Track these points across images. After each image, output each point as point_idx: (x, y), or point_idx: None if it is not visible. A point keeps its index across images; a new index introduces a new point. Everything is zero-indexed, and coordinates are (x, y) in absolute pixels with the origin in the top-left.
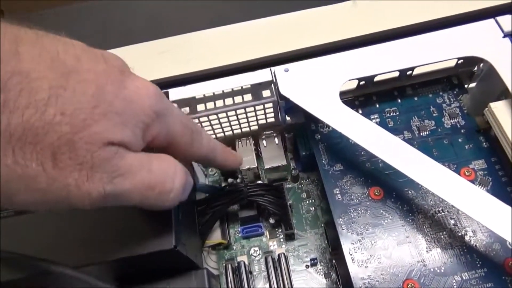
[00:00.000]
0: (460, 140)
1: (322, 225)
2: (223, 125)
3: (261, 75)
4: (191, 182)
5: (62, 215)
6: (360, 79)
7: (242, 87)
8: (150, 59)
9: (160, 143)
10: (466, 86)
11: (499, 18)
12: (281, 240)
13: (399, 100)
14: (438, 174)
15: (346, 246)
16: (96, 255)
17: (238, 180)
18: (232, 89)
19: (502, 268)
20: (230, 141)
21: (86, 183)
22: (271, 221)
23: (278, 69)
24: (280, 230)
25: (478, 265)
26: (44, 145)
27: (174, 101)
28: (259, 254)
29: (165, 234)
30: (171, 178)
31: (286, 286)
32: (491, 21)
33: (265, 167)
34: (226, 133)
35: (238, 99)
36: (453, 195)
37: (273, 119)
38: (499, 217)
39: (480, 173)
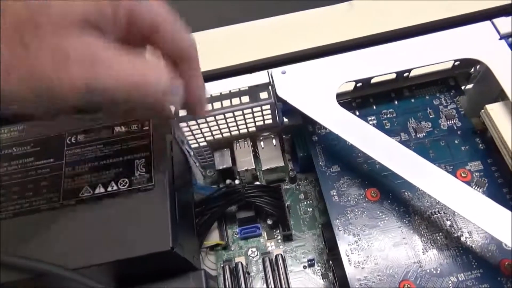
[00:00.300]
0: (456, 141)
1: (320, 226)
2: (221, 126)
3: (259, 77)
4: (180, 83)
5: (60, 216)
6: (357, 81)
7: (239, 89)
8: None
9: (140, 29)
10: (463, 87)
11: (495, 20)
12: (279, 241)
13: (396, 102)
14: (434, 176)
15: (343, 247)
16: (93, 257)
17: (236, 182)
18: (230, 91)
19: (498, 269)
20: (228, 143)
21: (64, 72)
22: (269, 222)
23: (276, 71)
24: (277, 231)
25: (474, 266)
26: (7, 26)
27: None
28: (257, 255)
29: (162, 235)
30: (156, 70)
31: (284, 287)
32: (487, 23)
33: (263, 169)
34: (224, 135)
35: (235, 101)
36: (448, 197)
37: (270, 121)
38: (494, 219)
39: (476, 174)
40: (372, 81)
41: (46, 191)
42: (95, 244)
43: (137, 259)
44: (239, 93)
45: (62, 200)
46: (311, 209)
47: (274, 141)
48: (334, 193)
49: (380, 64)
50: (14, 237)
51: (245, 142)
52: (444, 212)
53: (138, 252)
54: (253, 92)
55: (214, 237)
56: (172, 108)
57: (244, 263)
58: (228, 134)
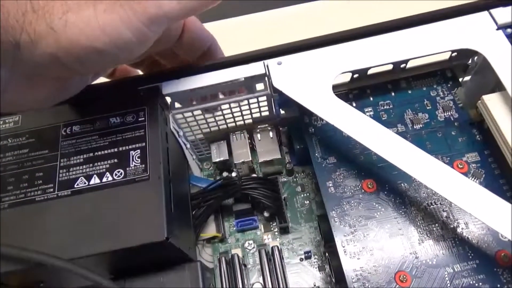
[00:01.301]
0: (453, 133)
1: (316, 217)
2: (217, 118)
3: (254, 68)
4: None
5: (55, 207)
6: (353, 72)
7: (236, 80)
8: None
9: (202, 42)
10: (461, 79)
11: (493, 11)
12: (276, 233)
13: (393, 93)
14: (431, 167)
15: (339, 239)
16: (88, 247)
17: (233, 174)
18: (226, 82)
19: (494, 260)
20: (225, 135)
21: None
22: (266, 214)
23: (271, 62)
24: (274, 224)
25: (470, 257)
26: None
27: (167, 95)
28: (253, 247)
29: (157, 226)
30: None
31: (280, 279)
32: (485, 13)
33: (260, 161)
34: (221, 127)
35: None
36: (445, 188)
37: (267, 113)
38: (491, 209)
39: (473, 165)
40: (369, 72)
41: (42, 182)
42: (90, 235)
43: (132, 250)
44: (236, 84)
45: (57, 191)
46: (308, 201)
47: (271, 133)
48: (330, 185)
49: (377, 55)
50: (10, 228)
51: (242, 134)
52: (440, 203)
53: (133, 243)
54: (249, 83)
55: (211, 230)
56: (168, 99)
57: (240, 255)
58: (225, 126)
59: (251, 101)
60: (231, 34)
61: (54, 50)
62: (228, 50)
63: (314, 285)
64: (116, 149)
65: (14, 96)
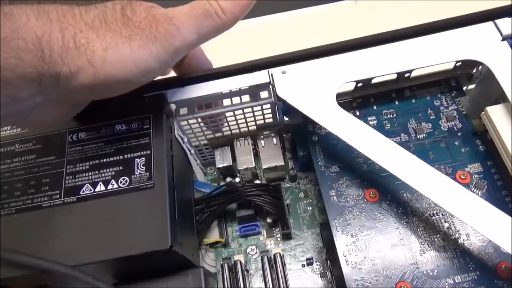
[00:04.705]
0: (456, 143)
1: (319, 224)
2: (221, 125)
3: (259, 77)
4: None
5: (61, 213)
6: (357, 81)
7: (240, 88)
8: None
9: (198, 66)
10: (465, 88)
11: (498, 21)
12: (278, 239)
13: (396, 102)
14: (432, 179)
15: (341, 248)
16: (93, 254)
17: (237, 179)
18: (231, 90)
19: (494, 271)
20: (229, 141)
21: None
22: (269, 220)
23: (276, 71)
24: (277, 230)
25: (471, 268)
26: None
27: (172, 102)
28: (256, 253)
29: (161, 234)
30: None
31: (281, 285)
32: (489, 24)
33: (263, 167)
34: (225, 133)
35: (236, 100)
36: (447, 200)
37: (271, 120)
38: (492, 223)
39: (475, 176)
40: (373, 81)
41: (48, 188)
42: (95, 242)
43: (136, 257)
44: (240, 92)
45: (64, 197)
46: (311, 208)
47: (274, 140)
48: (333, 194)
49: (381, 64)
50: (16, 233)
51: (246, 141)
52: (442, 214)
53: (137, 250)
54: (253, 91)
55: (214, 235)
56: (173, 107)
57: (243, 261)
58: (229, 132)
59: (255, 108)
60: (235, 41)
61: (91, 83)
62: (232, 57)
63: None
64: (121, 157)
65: (38, 117)
